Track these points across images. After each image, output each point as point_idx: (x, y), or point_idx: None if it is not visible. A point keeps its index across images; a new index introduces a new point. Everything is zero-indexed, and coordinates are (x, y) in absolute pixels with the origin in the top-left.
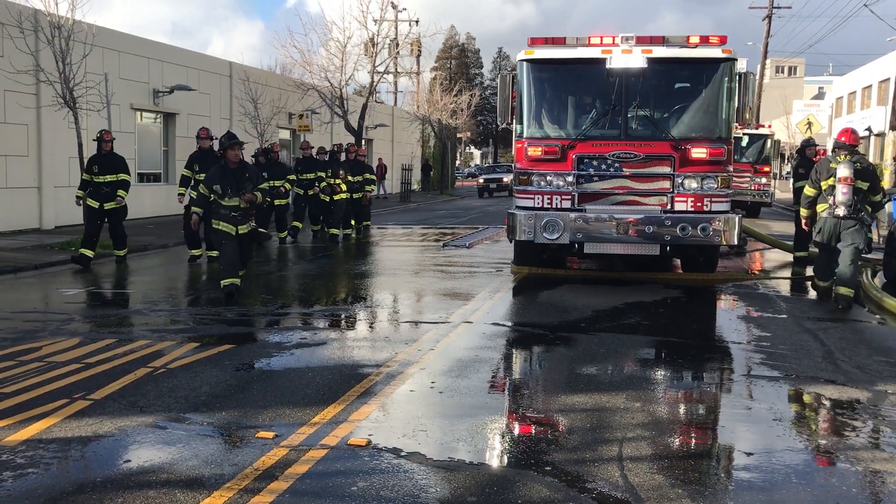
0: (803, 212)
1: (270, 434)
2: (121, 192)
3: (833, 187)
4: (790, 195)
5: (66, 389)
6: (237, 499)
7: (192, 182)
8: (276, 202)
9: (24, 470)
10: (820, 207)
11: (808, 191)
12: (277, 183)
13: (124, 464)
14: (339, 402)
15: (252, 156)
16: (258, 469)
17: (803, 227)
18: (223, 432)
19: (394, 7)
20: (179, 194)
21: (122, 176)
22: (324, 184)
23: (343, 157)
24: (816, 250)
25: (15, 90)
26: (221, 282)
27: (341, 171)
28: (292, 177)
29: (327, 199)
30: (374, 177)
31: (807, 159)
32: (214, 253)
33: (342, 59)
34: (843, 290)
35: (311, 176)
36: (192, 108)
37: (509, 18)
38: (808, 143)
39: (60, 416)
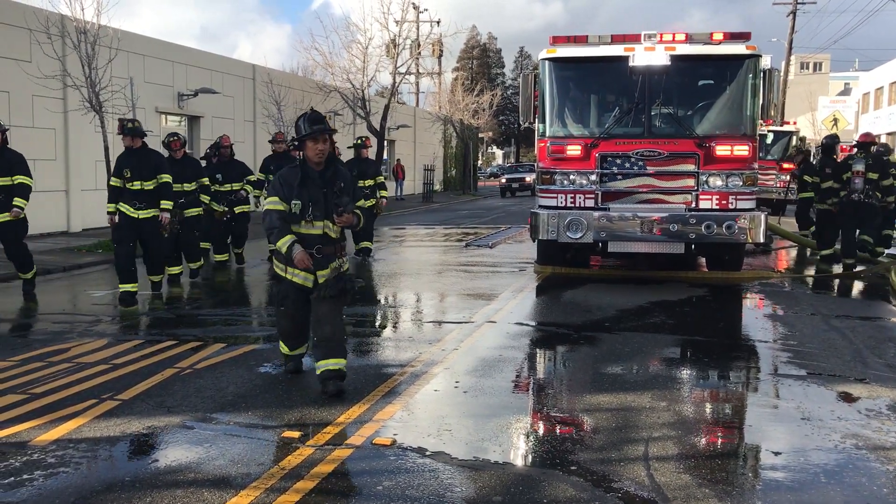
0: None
1: (296, 433)
2: (17, 202)
3: (850, 179)
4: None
5: (95, 390)
6: (264, 498)
7: (125, 192)
8: (237, 209)
9: (54, 469)
10: (842, 194)
11: (833, 185)
12: (236, 186)
13: (152, 463)
14: (364, 402)
15: (202, 157)
16: (284, 468)
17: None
18: (249, 432)
19: (415, 8)
20: (110, 213)
21: (20, 179)
22: None
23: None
24: (839, 246)
25: (43, 95)
26: (286, 358)
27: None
28: (254, 177)
29: None
30: (382, 178)
31: (832, 158)
32: (185, 267)
33: (364, 61)
34: (849, 261)
35: None
36: (216, 110)
37: (536, 18)
38: (835, 141)
39: (89, 417)
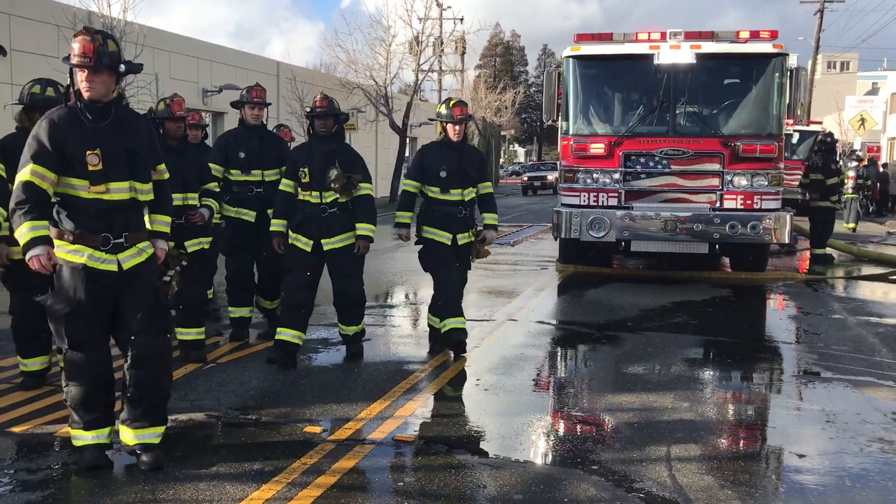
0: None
1: (318, 429)
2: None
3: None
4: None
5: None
6: (286, 492)
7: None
8: (189, 246)
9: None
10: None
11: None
12: (191, 199)
13: (174, 456)
14: (385, 398)
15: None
16: (306, 463)
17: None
18: (271, 427)
19: (438, 5)
20: None
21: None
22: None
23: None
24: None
25: None
26: None
27: (334, 172)
28: (215, 185)
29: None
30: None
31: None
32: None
33: (387, 58)
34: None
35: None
36: None
37: (572, 17)
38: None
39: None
